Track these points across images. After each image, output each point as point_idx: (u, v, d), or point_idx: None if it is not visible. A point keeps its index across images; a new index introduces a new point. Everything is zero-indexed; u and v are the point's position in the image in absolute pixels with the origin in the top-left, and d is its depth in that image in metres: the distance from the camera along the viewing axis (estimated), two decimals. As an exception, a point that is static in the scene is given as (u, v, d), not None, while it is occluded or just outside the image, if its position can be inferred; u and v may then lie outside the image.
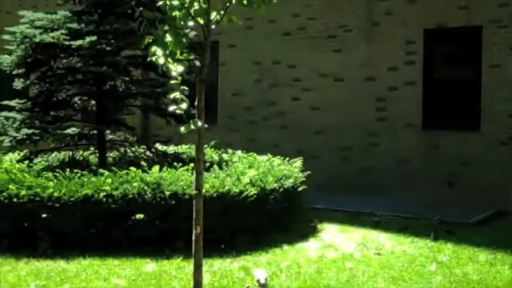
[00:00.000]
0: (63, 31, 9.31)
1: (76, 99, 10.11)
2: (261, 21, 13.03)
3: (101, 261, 7.32)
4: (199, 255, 4.26)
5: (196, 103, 4.22)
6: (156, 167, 8.30)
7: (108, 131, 9.98)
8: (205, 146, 11.17)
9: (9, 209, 7.85)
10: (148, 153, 10.39)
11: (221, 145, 11.37)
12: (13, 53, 9.64)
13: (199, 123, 4.12)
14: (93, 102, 10.23)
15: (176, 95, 4.15)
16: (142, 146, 10.45)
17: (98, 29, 9.38)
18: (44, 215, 7.75)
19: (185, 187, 7.88)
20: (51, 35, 9.20)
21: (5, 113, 9.59)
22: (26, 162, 9.49)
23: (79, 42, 9.05)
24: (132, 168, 8.25)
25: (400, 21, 12.02)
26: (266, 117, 13.49)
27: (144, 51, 9.97)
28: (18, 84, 9.79)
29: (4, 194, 7.88)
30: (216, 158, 10.36)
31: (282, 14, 12.72)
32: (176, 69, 4.04)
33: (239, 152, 10.85)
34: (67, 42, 9.15)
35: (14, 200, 7.82)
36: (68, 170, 8.43)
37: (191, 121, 4.14)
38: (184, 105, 4.15)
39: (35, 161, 9.86)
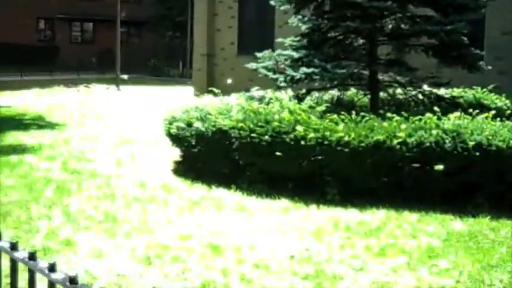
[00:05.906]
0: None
1: (348, 37, 9.59)
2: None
3: (396, 214, 6.81)
4: None
5: None
6: (456, 114, 7.54)
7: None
8: (484, 90, 10.25)
9: (295, 151, 7.55)
10: (420, 96, 9.68)
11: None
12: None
13: None
14: (361, 41, 9.66)
15: None
16: (408, 88, 9.75)
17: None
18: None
19: (490, 137, 7.07)
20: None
21: (279, 51, 9.30)
22: (302, 102, 9.17)
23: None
24: (428, 114, 7.56)
25: None
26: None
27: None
28: (294, 21, 9.42)
29: (291, 135, 7.58)
30: (499, 103, 9.39)
31: None
32: None
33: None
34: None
35: (301, 142, 7.50)
36: (353, 112, 7.95)
37: None
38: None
39: (306, 100, 9.54)
